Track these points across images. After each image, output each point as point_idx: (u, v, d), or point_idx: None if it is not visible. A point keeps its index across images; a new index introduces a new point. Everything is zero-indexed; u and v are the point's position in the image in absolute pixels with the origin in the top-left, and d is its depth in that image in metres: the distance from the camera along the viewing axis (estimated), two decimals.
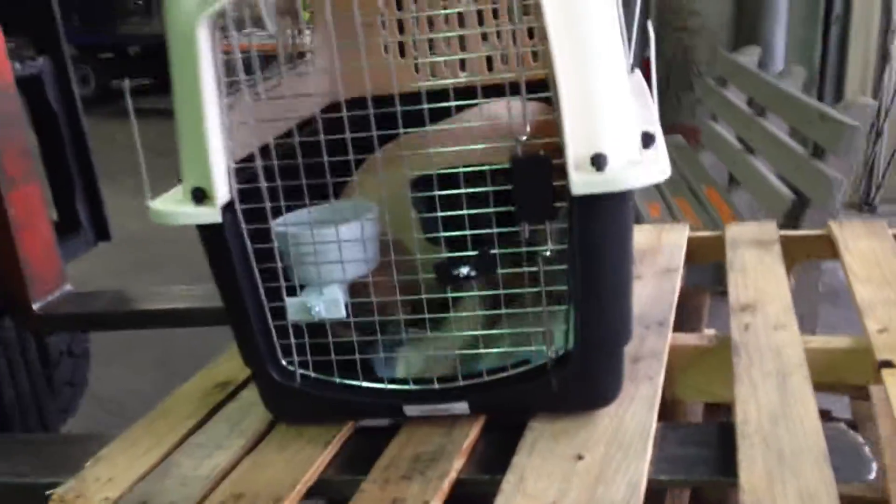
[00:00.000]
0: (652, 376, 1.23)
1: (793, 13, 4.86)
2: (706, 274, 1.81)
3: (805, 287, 2.58)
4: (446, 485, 1.04)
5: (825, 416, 1.34)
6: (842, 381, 1.28)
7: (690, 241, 1.83)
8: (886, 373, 1.18)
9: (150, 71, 10.66)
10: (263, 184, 1.04)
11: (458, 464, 1.08)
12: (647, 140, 1.03)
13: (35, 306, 1.87)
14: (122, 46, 10.82)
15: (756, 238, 1.76)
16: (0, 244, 1.82)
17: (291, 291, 1.10)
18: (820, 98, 4.80)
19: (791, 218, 2.63)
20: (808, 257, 1.78)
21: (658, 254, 1.73)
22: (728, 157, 3.71)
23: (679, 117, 4.98)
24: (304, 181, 1.06)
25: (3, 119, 1.77)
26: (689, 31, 5.00)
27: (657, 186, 3.67)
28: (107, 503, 1.08)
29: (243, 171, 1.06)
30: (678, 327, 1.43)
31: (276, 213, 1.08)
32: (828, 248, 1.72)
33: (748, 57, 4.29)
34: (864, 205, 4.83)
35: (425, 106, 1.02)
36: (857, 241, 1.68)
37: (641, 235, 1.84)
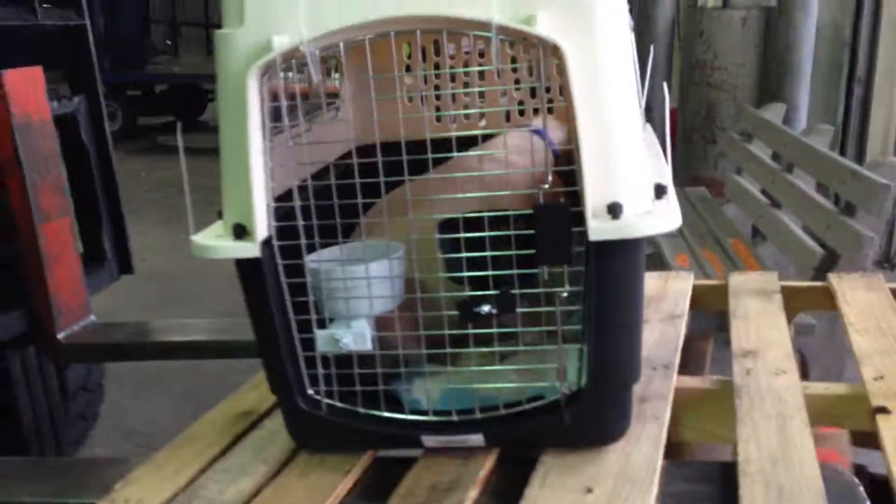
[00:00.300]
0: (658, 416, 1.29)
1: (817, 73, 4.98)
2: (710, 321, 1.87)
3: (830, 338, 2.64)
4: None
5: (860, 470, 1.40)
6: (839, 425, 1.34)
7: (695, 289, 1.90)
8: (881, 418, 1.24)
9: (175, 108, 10.90)
10: (300, 222, 1.11)
11: (473, 493, 1.13)
12: (660, 191, 1.10)
13: (60, 336, 1.94)
14: (150, 84, 11.08)
15: (758, 288, 1.83)
16: (31, 275, 1.89)
17: (321, 324, 1.16)
18: (842, 156, 4.90)
19: (821, 272, 2.67)
20: (809, 308, 1.85)
21: (664, 300, 1.80)
22: (753, 210, 3.77)
23: (702, 170, 5.09)
24: (339, 220, 1.13)
25: (41, 156, 1.85)
26: (714, 87, 5.09)
27: (684, 238, 3.74)
28: None
29: (278, 210, 1.14)
30: (682, 371, 1.49)
31: (310, 249, 1.15)
32: (827, 299, 1.79)
33: (773, 114, 4.40)
34: (884, 262, 4.87)
35: (453, 154, 1.10)
36: (855, 293, 1.75)
37: (649, 283, 1.91)
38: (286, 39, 1.04)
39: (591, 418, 1.15)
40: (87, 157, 2.17)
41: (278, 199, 1.14)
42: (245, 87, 1.06)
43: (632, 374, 1.15)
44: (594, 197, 1.03)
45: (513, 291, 1.09)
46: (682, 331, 1.63)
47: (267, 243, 1.12)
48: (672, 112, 5.61)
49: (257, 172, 1.09)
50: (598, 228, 1.03)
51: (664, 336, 1.60)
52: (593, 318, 1.08)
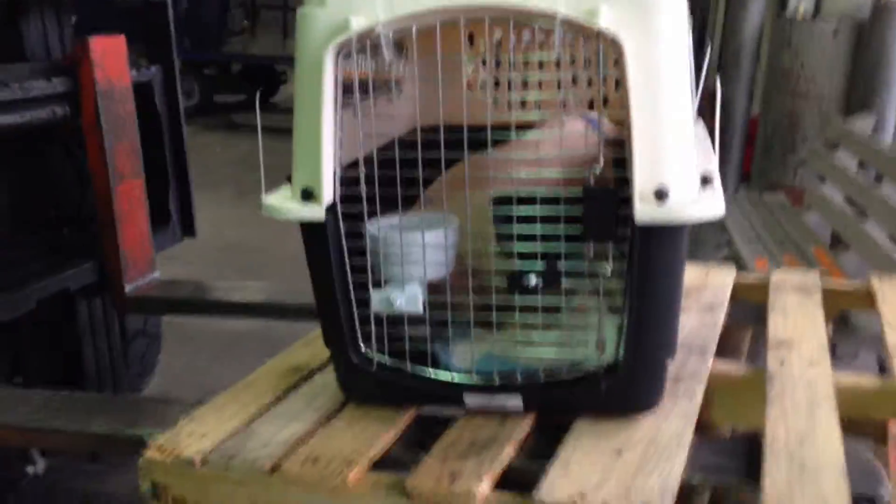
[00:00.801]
0: (691, 395, 1.35)
1: None
2: (749, 313, 1.92)
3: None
4: (498, 465, 1.17)
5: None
6: (867, 416, 1.38)
7: (736, 283, 1.95)
8: None
9: (250, 88, 11.15)
10: (364, 190, 1.20)
11: (509, 450, 1.21)
12: (706, 181, 1.17)
13: (127, 288, 2.06)
14: (226, 64, 11.34)
15: (799, 285, 1.88)
16: (104, 231, 2.01)
17: (376, 286, 1.25)
18: None
19: None
20: (849, 306, 1.88)
21: (704, 291, 1.85)
22: (836, 219, 3.76)
23: (781, 178, 5.05)
24: (399, 190, 1.22)
25: (121, 119, 1.97)
26: (799, 97, 5.04)
27: (765, 243, 3.74)
28: (198, 454, 1.23)
29: (343, 178, 1.22)
30: (719, 358, 1.55)
31: (371, 216, 1.24)
32: (868, 300, 1.83)
33: (861, 125, 4.37)
34: None
35: (512, 136, 1.17)
36: (892, 293, 1.79)
37: (690, 274, 1.96)
38: (363, 20, 1.13)
39: (626, 389, 1.22)
40: (160, 124, 2.28)
41: (344, 168, 1.23)
42: (322, 62, 1.14)
43: (667, 348, 1.22)
44: (642, 182, 1.10)
45: (559, 266, 1.17)
46: (721, 319, 1.69)
47: (331, 208, 1.20)
48: (752, 120, 5.57)
49: (327, 141, 1.18)
50: (645, 211, 1.10)
51: (702, 323, 1.66)
52: (634, 295, 1.15)
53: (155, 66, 2.26)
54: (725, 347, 1.70)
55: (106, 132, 1.99)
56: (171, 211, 2.34)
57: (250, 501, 1.21)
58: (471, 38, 1.68)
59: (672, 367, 1.44)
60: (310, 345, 1.62)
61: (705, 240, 4.48)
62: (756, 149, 5.42)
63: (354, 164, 1.22)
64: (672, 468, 1.14)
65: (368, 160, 1.24)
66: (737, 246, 3.71)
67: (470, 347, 1.29)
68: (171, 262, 2.19)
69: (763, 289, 1.88)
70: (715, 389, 1.47)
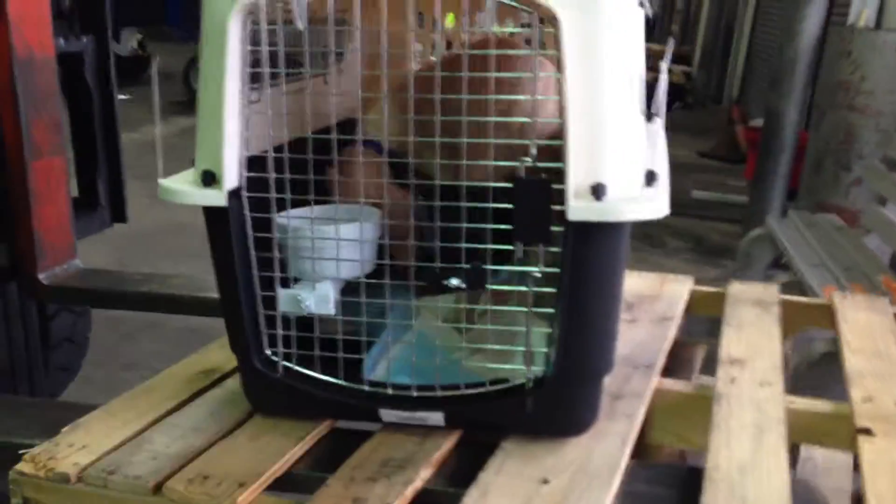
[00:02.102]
0: (630, 414, 1.24)
1: None
2: (703, 328, 1.82)
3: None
4: (409, 491, 1.05)
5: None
6: (820, 443, 1.28)
7: (692, 295, 1.84)
8: (863, 439, 1.18)
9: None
10: (272, 174, 1.07)
11: (424, 473, 1.09)
12: (651, 178, 1.05)
13: (41, 276, 1.91)
14: None
15: (758, 298, 1.77)
16: (17, 212, 1.86)
17: (285, 283, 1.12)
18: None
19: None
20: (808, 324, 1.78)
21: (657, 301, 1.74)
22: None
23: (831, 197, 4.83)
24: (313, 177, 1.09)
25: (39, 91, 1.82)
26: (857, 111, 4.80)
27: (829, 268, 3.55)
28: (75, 468, 1.09)
29: (256, 162, 1.09)
30: (669, 375, 1.44)
31: (283, 206, 1.10)
32: (828, 317, 1.73)
33: None
34: None
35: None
36: (857, 313, 1.69)
37: (644, 282, 1.86)
38: None
39: (556, 407, 1.10)
40: (90, 99, 2.13)
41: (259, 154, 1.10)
42: (225, 29, 1.01)
43: (602, 364, 1.10)
44: (577, 176, 0.98)
45: (484, 267, 1.04)
46: (672, 333, 1.57)
47: (236, 194, 1.07)
48: (802, 134, 5.36)
49: (231, 119, 1.04)
50: (579, 208, 0.98)
51: (651, 337, 1.55)
52: (567, 302, 1.03)
53: (86, 36, 2.11)
54: (677, 364, 1.59)
55: (23, 104, 1.83)
56: (100, 193, 2.19)
57: None
58: (420, 18, 1.55)
59: (612, 383, 1.33)
60: (225, 346, 1.48)
61: (757, 256, 4.30)
62: (805, 165, 5.13)
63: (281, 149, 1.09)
64: (599, 498, 1.02)
65: (291, 143, 1.11)
66: (799, 271, 3.51)
67: (386, 356, 1.16)
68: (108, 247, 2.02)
69: (719, 301, 1.77)
70: (658, 409, 1.36)
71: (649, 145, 1.11)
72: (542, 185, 0.99)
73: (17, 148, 1.85)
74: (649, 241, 5.37)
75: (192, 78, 9.04)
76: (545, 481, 1.06)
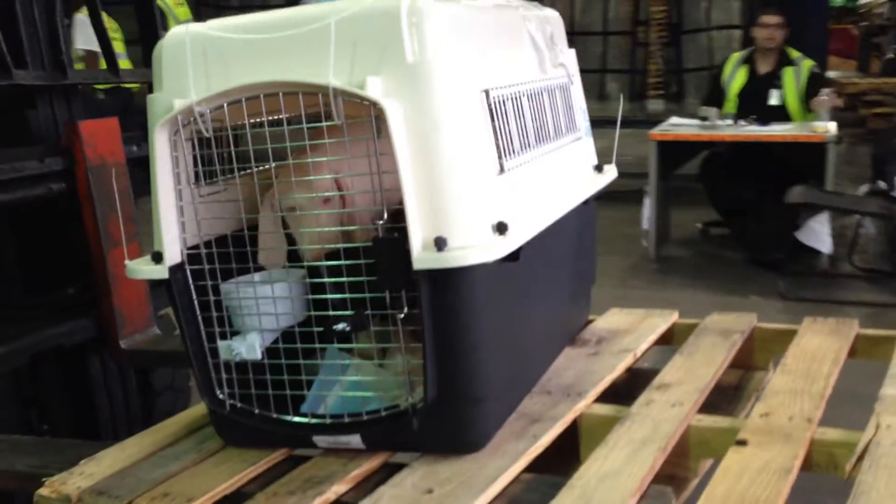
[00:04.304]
0: (537, 436, 1.40)
1: None
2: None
3: None
4: (317, 502, 1.26)
5: None
6: (713, 456, 1.38)
7: (675, 327, 1.96)
8: (733, 450, 1.29)
9: None
10: (203, 251, 1.34)
11: (338, 488, 1.30)
12: (501, 229, 1.24)
13: (123, 343, 2.29)
14: None
15: (726, 328, 1.86)
16: (101, 291, 2.26)
17: (225, 336, 1.39)
18: None
19: None
20: (774, 349, 1.83)
21: (628, 335, 1.87)
22: None
23: None
24: (249, 249, 1.36)
25: (112, 192, 2.21)
26: None
27: None
28: (77, 491, 1.39)
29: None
30: (622, 402, 1.55)
31: (229, 274, 1.37)
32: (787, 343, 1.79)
33: None
34: None
35: None
36: (814, 337, 1.75)
37: (625, 318, 1.99)
38: (183, 101, 1.28)
39: (440, 428, 1.29)
40: None
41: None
42: (154, 139, 1.31)
43: (476, 392, 1.28)
44: (419, 232, 1.19)
45: (366, 312, 1.27)
46: (621, 363, 1.71)
47: (179, 268, 1.35)
48: None
49: (166, 211, 1.33)
50: (421, 259, 1.18)
51: (600, 367, 1.69)
52: (430, 338, 1.23)
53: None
54: (626, 392, 1.72)
55: (98, 204, 2.24)
56: None
57: None
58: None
59: (536, 408, 1.50)
60: None
61: None
62: None
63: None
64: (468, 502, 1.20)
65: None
66: None
67: (317, 390, 1.40)
68: None
69: (691, 332, 1.88)
70: (584, 431, 1.51)
71: (505, 199, 1.30)
72: (395, 242, 1.21)
73: (97, 240, 2.25)
74: None
75: None
76: (430, 491, 1.25)
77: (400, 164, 1.18)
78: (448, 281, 1.21)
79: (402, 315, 1.24)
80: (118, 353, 2.32)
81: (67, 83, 2.31)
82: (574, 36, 11.11)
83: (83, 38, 5.18)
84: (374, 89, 1.18)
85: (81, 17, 4.99)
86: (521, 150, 1.43)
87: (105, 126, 2.31)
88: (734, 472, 1.21)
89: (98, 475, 1.44)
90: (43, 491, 1.41)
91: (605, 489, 1.20)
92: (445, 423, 1.29)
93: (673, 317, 1.99)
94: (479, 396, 1.29)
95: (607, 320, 1.97)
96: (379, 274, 1.22)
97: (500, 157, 1.31)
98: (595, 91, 10.80)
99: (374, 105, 1.18)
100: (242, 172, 1.43)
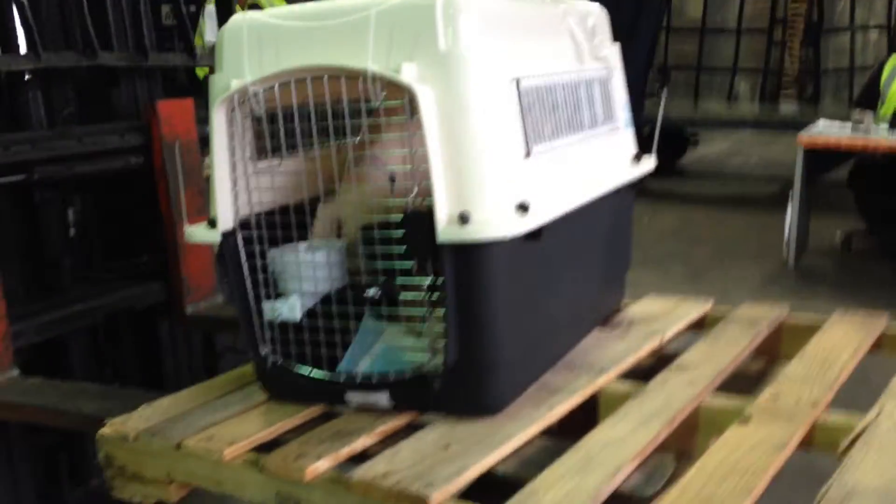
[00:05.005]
0: (553, 406, 1.49)
1: None
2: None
3: None
4: (345, 451, 1.38)
5: None
6: (719, 434, 1.44)
7: (708, 315, 2.01)
8: (735, 426, 1.35)
9: (658, 151, 11.14)
10: (253, 220, 1.48)
11: (365, 440, 1.42)
12: (524, 208, 1.34)
13: (188, 309, 2.47)
14: (640, 126, 11.31)
15: (754, 318, 1.91)
16: (171, 260, 2.45)
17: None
18: None
19: None
20: (797, 342, 1.87)
21: (657, 320, 1.94)
22: None
23: None
24: (294, 219, 1.49)
25: (185, 167, 2.39)
26: None
27: None
28: (134, 431, 1.54)
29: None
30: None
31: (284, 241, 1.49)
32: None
33: None
34: None
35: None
36: (838, 329, 1.78)
37: (660, 304, 2.05)
38: (239, 81, 1.42)
39: (458, 391, 1.39)
40: None
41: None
42: (214, 114, 1.45)
43: (494, 359, 1.38)
44: (445, 208, 1.30)
45: (394, 281, 1.38)
46: (647, 345, 1.78)
47: (230, 234, 1.49)
48: None
49: (222, 181, 1.47)
50: (445, 232, 1.29)
51: (625, 347, 1.76)
52: (452, 307, 1.34)
53: None
54: (650, 373, 1.79)
55: (170, 178, 2.41)
56: None
57: (165, 468, 1.50)
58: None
59: (558, 380, 1.59)
60: None
61: None
62: None
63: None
64: (482, 457, 1.30)
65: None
66: None
67: (352, 350, 1.52)
68: None
69: (720, 320, 1.93)
70: (602, 404, 1.59)
71: (530, 181, 1.40)
72: (424, 215, 1.32)
73: (169, 212, 2.43)
74: None
75: None
76: (447, 447, 1.35)
77: (429, 144, 1.28)
78: (470, 254, 1.31)
79: (428, 284, 1.34)
80: (183, 317, 2.50)
81: (148, 66, 2.49)
82: (705, 32, 10.50)
83: (211, 30, 5.32)
84: (409, 74, 1.28)
85: (210, 9, 5.12)
86: (553, 136, 1.51)
87: (181, 106, 2.48)
88: (731, 444, 1.28)
89: (154, 419, 1.59)
90: (105, 430, 1.57)
91: (607, 453, 1.28)
92: (464, 386, 1.40)
93: (708, 305, 2.04)
94: (495, 363, 1.39)
95: (642, 305, 2.04)
96: (409, 244, 1.33)
97: (527, 142, 1.41)
98: (724, 91, 10.35)
99: (407, 90, 1.29)
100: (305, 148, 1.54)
